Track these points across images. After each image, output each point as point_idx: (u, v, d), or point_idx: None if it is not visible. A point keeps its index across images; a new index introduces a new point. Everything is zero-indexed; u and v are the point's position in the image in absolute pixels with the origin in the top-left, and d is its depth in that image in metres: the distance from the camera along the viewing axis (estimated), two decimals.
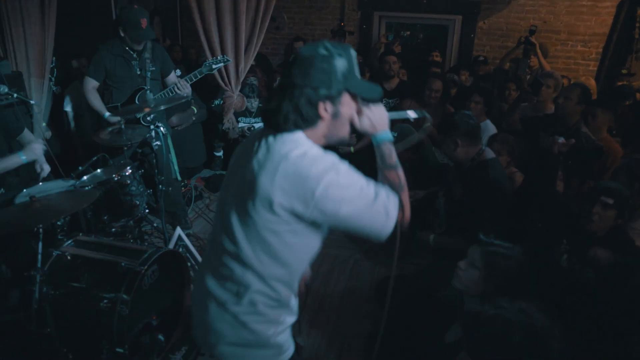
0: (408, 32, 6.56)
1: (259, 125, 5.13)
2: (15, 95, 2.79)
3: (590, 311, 2.22)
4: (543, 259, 2.55)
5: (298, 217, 1.32)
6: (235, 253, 1.40)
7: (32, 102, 3.15)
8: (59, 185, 2.83)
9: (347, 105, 1.39)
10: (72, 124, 4.64)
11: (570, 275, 2.41)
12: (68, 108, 4.66)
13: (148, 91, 3.51)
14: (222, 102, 4.86)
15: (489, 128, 3.93)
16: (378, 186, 1.38)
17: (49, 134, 3.77)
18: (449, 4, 6.29)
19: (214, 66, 3.83)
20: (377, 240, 1.39)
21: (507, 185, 2.94)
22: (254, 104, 5.09)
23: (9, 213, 2.27)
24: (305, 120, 1.34)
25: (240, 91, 4.74)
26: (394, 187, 1.43)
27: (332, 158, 1.33)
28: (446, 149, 2.90)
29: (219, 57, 3.92)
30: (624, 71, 5.32)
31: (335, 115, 1.37)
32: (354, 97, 1.40)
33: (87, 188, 2.67)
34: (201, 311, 1.52)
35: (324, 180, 1.27)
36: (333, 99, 1.34)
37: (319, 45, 1.33)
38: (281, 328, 1.51)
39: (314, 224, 1.37)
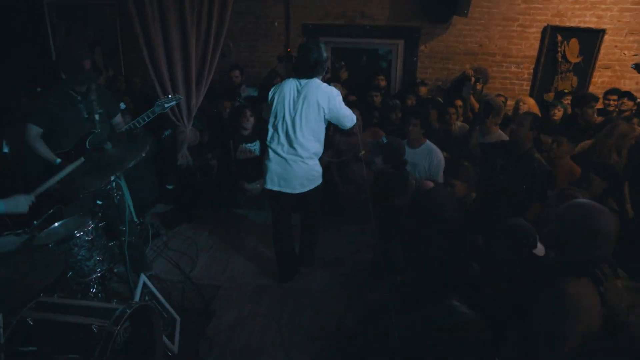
0: (342, 62, 6.54)
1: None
2: None
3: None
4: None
5: (325, 112, 3.29)
6: (303, 137, 3.33)
7: None
8: (12, 242, 2.66)
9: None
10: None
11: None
12: (6, 150, 4.39)
13: (99, 133, 3.38)
14: (171, 132, 4.76)
15: (433, 148, 4.13)
16: None
17: None
18: (391, 29, 6.54)
19: (166, 105, 3.72)
20: (348, 126, 3.47)
21: (452, 211, 2.99)
22: (205, 137, 5.03)
23: None
24: (319, 74, 3.33)
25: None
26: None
27: (332, 87, 3.39)
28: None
29: (170, 97, 3.82)
30: (551, 95, 5.73)
31: (327, 71, 3.47)
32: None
33: (50, 245, 2.50)
34: (287, 169, 3.41)
35: (332, 93, 3.29)
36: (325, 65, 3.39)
37: (317, 46, 3.25)
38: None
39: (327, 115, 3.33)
